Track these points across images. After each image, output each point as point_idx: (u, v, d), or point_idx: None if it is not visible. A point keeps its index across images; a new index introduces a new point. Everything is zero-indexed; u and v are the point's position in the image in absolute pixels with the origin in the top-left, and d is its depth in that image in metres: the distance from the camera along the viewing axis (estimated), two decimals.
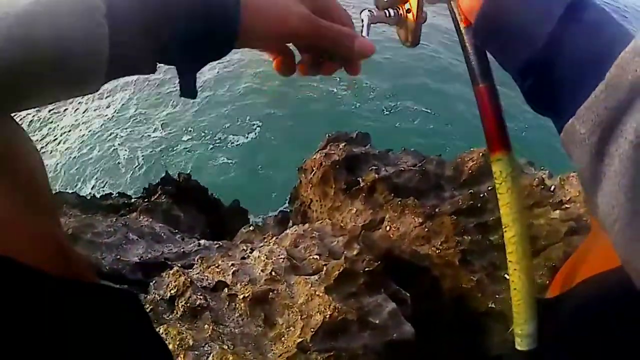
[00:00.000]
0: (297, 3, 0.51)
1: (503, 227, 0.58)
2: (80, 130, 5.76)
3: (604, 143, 0.39)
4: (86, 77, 0.43)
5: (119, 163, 5.18)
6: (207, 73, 5.94)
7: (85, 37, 0.40)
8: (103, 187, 4.81)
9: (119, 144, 5.43)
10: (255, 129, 5.24)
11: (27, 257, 0.35)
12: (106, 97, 6.09)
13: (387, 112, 5.41)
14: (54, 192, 1.86)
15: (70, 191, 1.96)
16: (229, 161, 4.93)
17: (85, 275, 0.44)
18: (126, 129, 5.64)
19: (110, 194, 2.12)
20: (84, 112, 5.95)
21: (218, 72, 6.12)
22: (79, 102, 5.99)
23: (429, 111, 5.41)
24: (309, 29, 0.51)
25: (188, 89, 0.50)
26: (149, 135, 5.46)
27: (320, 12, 0.52)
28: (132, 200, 2.08)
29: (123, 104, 5.96)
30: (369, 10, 0.63)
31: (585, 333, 0.55)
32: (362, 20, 0.63)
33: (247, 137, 5.17)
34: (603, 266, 0.54)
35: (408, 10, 0.62)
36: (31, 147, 0.45)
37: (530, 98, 0.50)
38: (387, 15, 0.63)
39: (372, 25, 0.64)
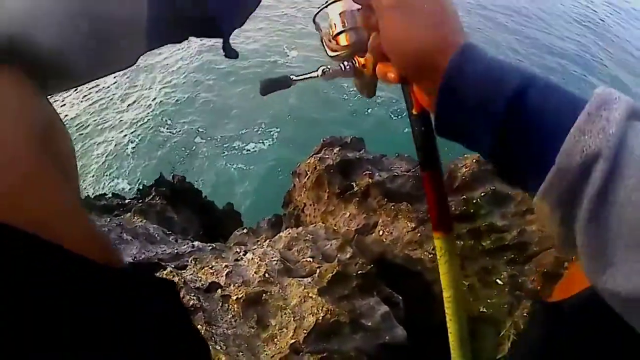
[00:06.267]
0: None
1: (442, 288, 0.68)
2: (84, 126, 5.75)
3: (567, 217, 0.42)
4: (129, 39, 0.45)
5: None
6: None
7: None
8: (103, 187, 4.80)
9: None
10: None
11: (74, 243, 0.35)
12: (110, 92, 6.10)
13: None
14: None
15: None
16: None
17: (116, 261, 0.44)
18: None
19: (105, 194, 2.11)
20: (92, 104, 5.93)
21: None
22: (82, 96, 5.97)
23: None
24: None
25: (230, 49, 0.56)
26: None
27: None
28: (126, 201, 2.07)
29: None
30: (323, 68, 0.65)
31: (591, 334, 0.57)
32: (318, 76, 0.65)
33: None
34: None
35: (364, 66, 0.63)
36: (65, 131, 0.45)
37: (501, 175, 0.52)
38: (343, 68, 0.64)
39: (328, 79, 0.66)
